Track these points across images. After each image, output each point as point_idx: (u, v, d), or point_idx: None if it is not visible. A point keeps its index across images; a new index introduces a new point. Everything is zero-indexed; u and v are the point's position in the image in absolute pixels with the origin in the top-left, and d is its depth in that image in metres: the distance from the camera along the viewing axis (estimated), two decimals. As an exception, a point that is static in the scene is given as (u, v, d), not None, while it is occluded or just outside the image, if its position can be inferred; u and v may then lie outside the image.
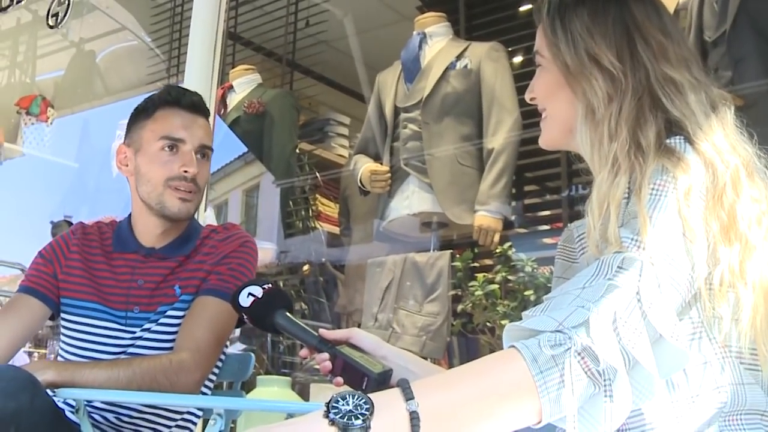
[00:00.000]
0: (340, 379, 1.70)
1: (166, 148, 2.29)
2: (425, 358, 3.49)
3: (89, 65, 6.35)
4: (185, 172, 2.28)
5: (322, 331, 1.83)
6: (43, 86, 6.34)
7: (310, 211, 5.46)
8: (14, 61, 6.35)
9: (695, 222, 1.31)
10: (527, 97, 1.67)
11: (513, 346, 1.21)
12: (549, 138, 1.65)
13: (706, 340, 1.34)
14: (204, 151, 2.35)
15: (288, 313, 1.90)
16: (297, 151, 5.39)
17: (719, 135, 1.43)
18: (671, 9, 3.28)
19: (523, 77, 4.02)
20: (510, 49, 4.25)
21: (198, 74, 4.09)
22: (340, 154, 5.65)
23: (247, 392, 3.38)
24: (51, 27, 5.70)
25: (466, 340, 3.81)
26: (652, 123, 1.44)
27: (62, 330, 2.38)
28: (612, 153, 1.45)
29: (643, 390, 1.23)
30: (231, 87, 5.25)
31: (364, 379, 1.72)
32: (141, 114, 2.37)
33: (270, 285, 1.92)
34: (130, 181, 2.39)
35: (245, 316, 1.88)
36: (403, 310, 3.82)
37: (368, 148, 4.38)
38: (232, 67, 5.51)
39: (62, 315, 2.37)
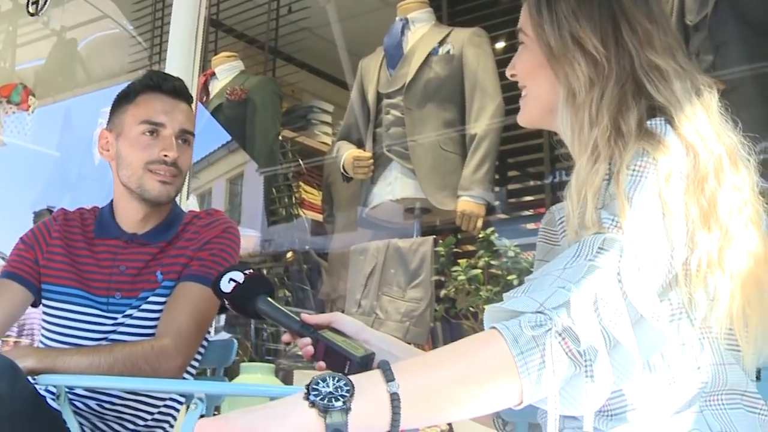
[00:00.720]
0: (322, 364, 1.70)
1: (147, 133, 2.29)
2: (409, 344, 3.49)
3: (71, 53, 6.30)
4: (165, 156, 2.28)
5: (304, 315, 1.82)
6: (24, 75, 6.29)
7: (294, 199, 5.44)
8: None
9: (675, 204, 1.31)
10: (508, 73, 1.65)
11: (494, 327, 1.20)
12: (528, 117, 1.63)
13: (686, 321, 1.34)
14: (185, 137, 2.35)
15: (270, 299, 1.89)
16: (280, 138, 5.38)
17: (703, 122, 1.42)
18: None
19: (505, 63, 3.95)
20: (492, 34, 4.24)
21: (180, 61, 4.08)
22: (323, 142, 5.64)
23: (231, 379, 3.38)
24: (31, 15, 5.67)
25: (449, 325, 3.81)
26: (634, 109, 1.42)
27: (43, 316, 2.37)
28: (592, 139, 1.44)
29: (624, 370, 1.22)
30: (213, 74, 5.23)
31: (347, 363, 1.71)
32: (123, 99, 2.37)
33: (251, 270, 1.91)
34: (111, 165, 2.39)
35: (226, 302, 1.88)
36: (386, 296, 3.82)
37: (351, 134, 4.36)
38: (215, 55, 5.48)
39: (43, 301, 2.36)
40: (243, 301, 1.83)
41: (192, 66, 4.16)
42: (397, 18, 4.24)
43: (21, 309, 2.38)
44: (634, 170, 1.33)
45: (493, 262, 3.64)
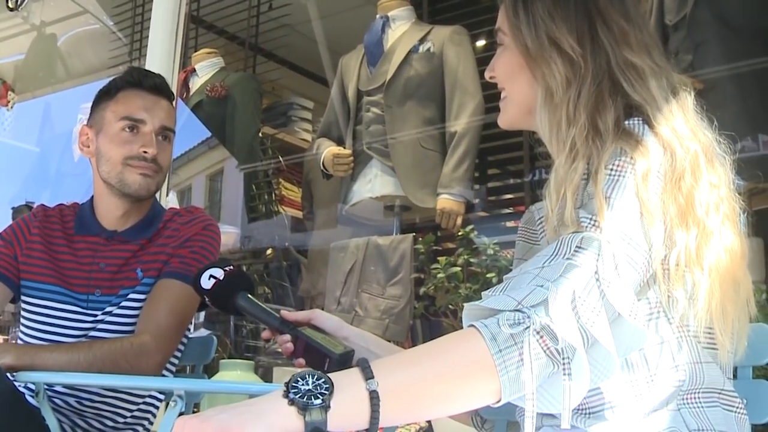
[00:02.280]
0: (302, 361, 1.70)
1: (127, 129, 2.29)
2: (388, 341, 3.49)
3: (50, 49, 6.27)
4: (144, 152, 2.27)
5: (283, 312, 1.82)
6: (3, 70, 6.24)
7: (274, 196, 5.43)
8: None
9: (653, 203, 1.32)
10: (487, 75, 1.66)
11: (472, 325, 1.21)
12: (508, 118, 1.64)
13: (664, 320, 1.35)
14: (165, 133, 2.34)
15: (249, 295, 1.89)
16: (260, 135, 5.37)
17: (679, 120, 1.44)
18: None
19: (485, 61, 3.97)
20: (473, 32, 4.24)
21: (160, 58, 4.05)
22: (304, 139, 5.62)
23: (210, 376, 3.37)
24: (11, 9, 5.62)
25: (428, 322, 3.81)
26: (611, 108, 1.43)
27: (22, 313, 2.35)
28: (570, 138, 1.45)
29: (602, 368, 1.23)
30: (193, 70, 5.20)
31: (326, 360, 1.72)
32: (104, 95, 2.36)
33: (231, 267, 1.91)
34: (92, 162, 2.38)
35: (207, 299, 1.87)
36: (365, 293, 3.82)
37: (331, 131, 4.36)
38: (195, 51, 5.46)
39: (22, 297, 2.35)
40: (223, 298, 1.83)
41: (172, 62, 4.14)
42: (377, 15, 4.24)
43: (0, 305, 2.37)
44: (611, 170, 1.33)
45: (472, 260, 3.64)
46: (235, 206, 5.72)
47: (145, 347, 2.13)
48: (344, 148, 4.21)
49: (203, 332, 4.82)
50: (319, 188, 4.81)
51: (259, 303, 1.87)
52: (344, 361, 1.75)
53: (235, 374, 3.78)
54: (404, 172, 3.96)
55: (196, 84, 5.19)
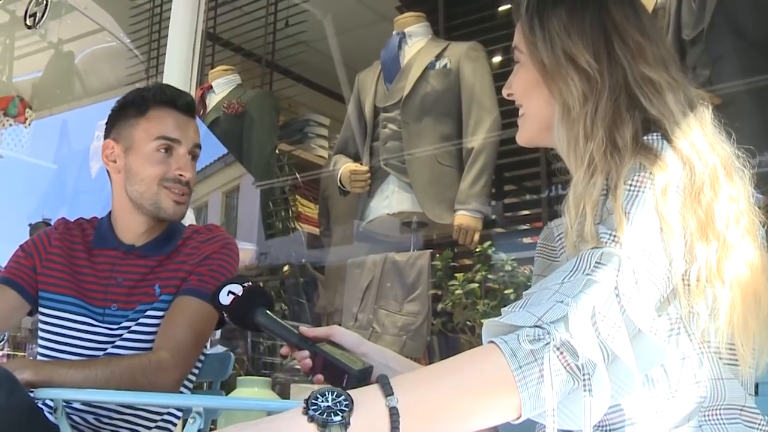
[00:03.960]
0: (320, 377, 1.70)
1: (162, 150, 2.28)
2: (406, 358, 3.49)
3: (68, 66, 6.31)
4: (180, 175, 2.28)
5: (302, 328, 1.82)
6: (21, 87, 6.29)
7: (290, 212, 5.44)
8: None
9: (672, 218, 1.31)
10: (504, 92, 1.66)
11: (492, 342, 1.21)
12: (526, 135, 1.65)
13: (685, 336, 1.35)
14: (195, 152, 2.35)
15: (268, 311, 1.90)
16: (276, 151, 5.37)
17: (697, 134, 1.44)
18: (649, 8, 3.28)
19: (502, 77, 3.98)
20: (489, 48, 4.25)
21: (177, 75, 4.08)
22: (320, 155, 5.63)
23: (228, 393, 3.37)
24: (29, 27, 5.67)
25: (446, 339, 3.80)
26: (629, 122, 1.43)
27: (40, 325, 2.36)
28: (588, 153, 1.45)
29: (623, 385, 1.23)
30: (210, 87, 5.22)
31: (345, 376, 1.72)
32: (131, 109, 2.33)
33: (250, 283, 1.91)
34: (115, 177, 2.36)
35: (225, 315, 1.88)
36: (383, 309, 3.82)
37: (348, 147, 4.37)
38: (212, 68, 5.49)
39: (40, 309, 2.35)
40: (242, 314, 1.83)
41: (189, 79, 4.16)
42: (394, 32, 4.25)
43: (15, 315, 2.38)
44: (631, 185, 1.33)
45: (490, 276, 3.64)
46: (251, 223, 5.74)
47: (163, 364, 2.13)
48: (361, 164, 4.21)
49: (219, 349, 4.83)
50: (335, 205, 4.81)
51: (278, 319, 1.87)
52: (363, 377, 1.75)
53: (252, 391, 3.79)
54: (421, 188, 3.97)
55: (212, 101, 5.21)
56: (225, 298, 1.87)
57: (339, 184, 4.26)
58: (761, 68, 2.95)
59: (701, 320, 1.34)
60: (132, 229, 2.35)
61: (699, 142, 1.42)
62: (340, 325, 3.86)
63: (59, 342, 2.30)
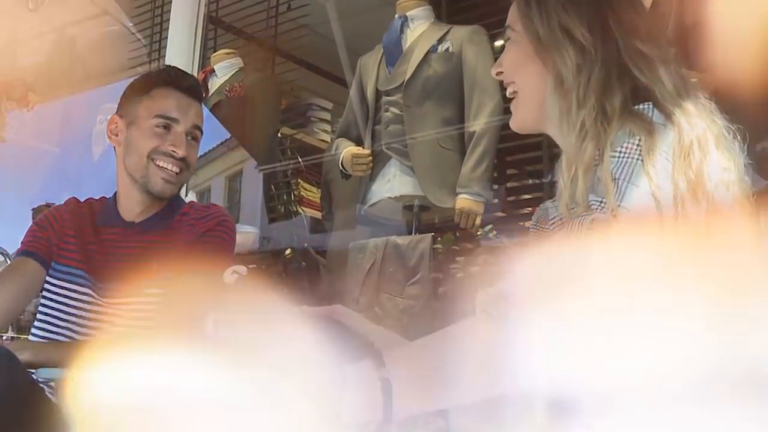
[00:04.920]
0: None
1: (160, 126, 2.36)
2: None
3: (70, 50, 6.30)
4: (173, 151, 2.34)
5: (304, 307, 1.85)
6: (24, 72, 6.28)
7: (293, 196, 5.43)
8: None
9: (663, 183, 1.33)
10: (494, 71, 1.67)
11: (484, 311, 1.22)
12: (520, 118, 1.65)
13: None
14: (195, 133, 2.42)
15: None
16: (279, 135, 5.37)
17: (688, 103, 1.46)
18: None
19: None
20: (491, 32, 4.23)
21: (179, 58, 4.10)
22: (323, 139, 5.62)
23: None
24: (32, 10, 5.66)
25: (447, 322, 3.80)
26: (619, 91, 1.47)
27: (44, 293, 2.41)
28: (579, 120, 1.48)
29: None
30: (212, 71, 5.20)
31: None
32: (138, 89, 2.44)
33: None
34: (117, 151, 2.45)
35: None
36: (384, 293, 3.82)
37: (350, 131, 4.37)
38: (214, 51, 5.48)
39: (47, 279, 2.41)
40: None
41: (191, 63, 4.18)
42: (396, 15, 4.24)
43: (38, 285, 2.43)
44: (620, 152, 1.36)
45: (491, 260, 3.63)
46: (254, 207, 5.73)
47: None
48: (363, 148, 4.22)
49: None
50: (338, 188, 4.81)
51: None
52: None
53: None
54: (423, 172, 3.97)
55: (215, 84, 5.19)
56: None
57: (341, 167, 4.26)
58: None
59: None
60: (132, 207, 2.43)
61: (689, 109, 1.44)
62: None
63: (60, 305, 2.38)
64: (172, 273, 2.28)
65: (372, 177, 4.13)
